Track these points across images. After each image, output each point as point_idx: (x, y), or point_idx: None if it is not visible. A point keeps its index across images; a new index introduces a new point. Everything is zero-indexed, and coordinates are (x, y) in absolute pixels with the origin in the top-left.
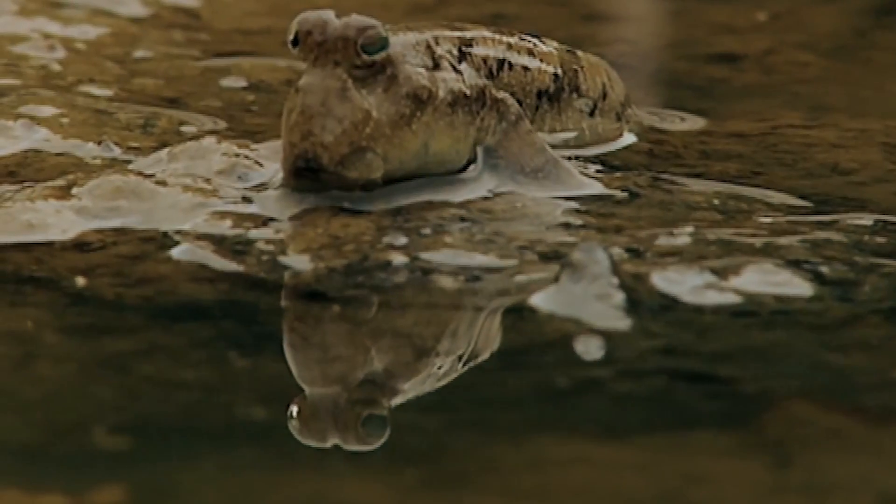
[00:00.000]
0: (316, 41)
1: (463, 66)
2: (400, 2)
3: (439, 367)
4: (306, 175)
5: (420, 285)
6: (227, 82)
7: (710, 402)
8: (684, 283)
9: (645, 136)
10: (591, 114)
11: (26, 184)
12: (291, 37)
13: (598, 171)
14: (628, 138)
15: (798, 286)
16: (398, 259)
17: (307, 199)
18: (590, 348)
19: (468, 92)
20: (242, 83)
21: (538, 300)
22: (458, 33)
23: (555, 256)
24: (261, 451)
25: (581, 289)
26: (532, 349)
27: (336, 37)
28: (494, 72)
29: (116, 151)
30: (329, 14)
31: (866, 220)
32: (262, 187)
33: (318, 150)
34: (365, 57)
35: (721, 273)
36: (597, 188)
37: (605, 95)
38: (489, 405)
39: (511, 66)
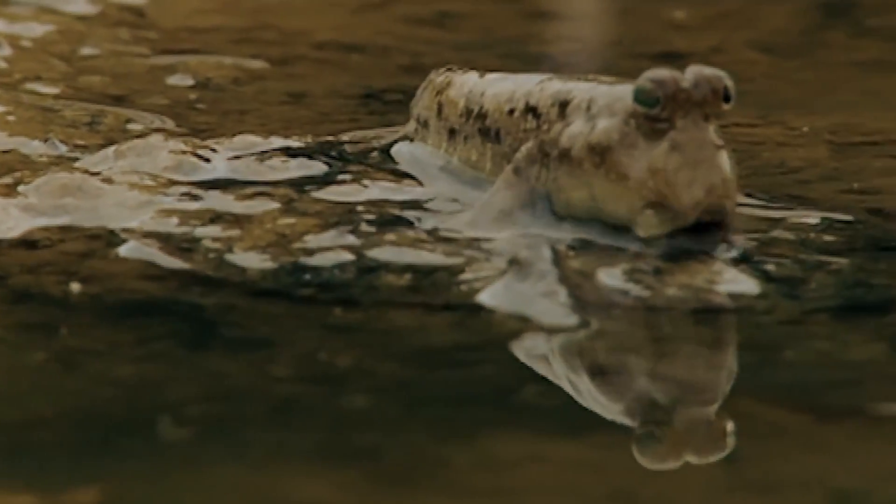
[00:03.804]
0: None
1: None
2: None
3: (387, 365)
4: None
5: (367, 283)
6: (174, 80)
7: (660, 399)
8: (632, 280)
9: None
10: None
11: None
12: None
13: None
14: None
15: (745, 283)
16: (345, 257)
17: None
18: (537, 345)
19: None
20: (189, 81)
21: (485, 298)
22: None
23: (501, 254)
24: (207, 448)
25: (528, 286)
26: (480, 347)
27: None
28: None
29: (63, 149)
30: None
31: (813, 217)
32: (208, 184)
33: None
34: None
35: (669, 270)
36: None
37: None
38: (438, 403)
39: None
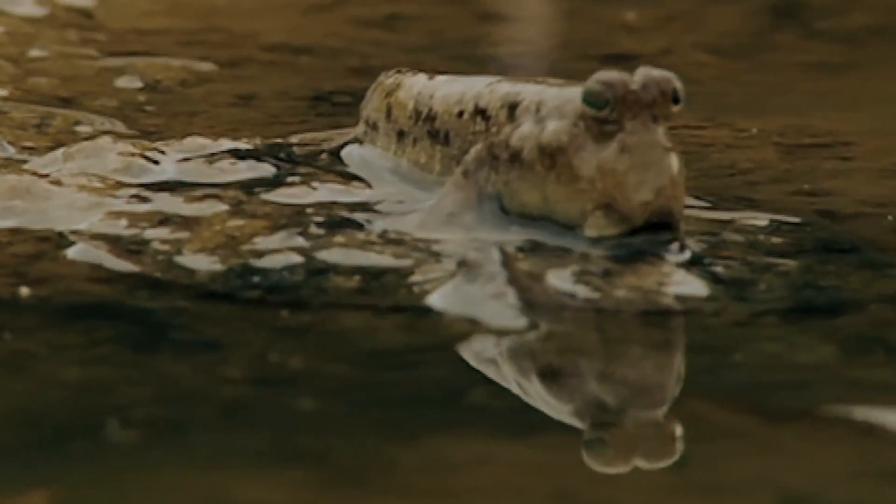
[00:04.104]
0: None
1: None
2: (297, 1)
3: (335, 367)
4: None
5: (316, 285)
6: (122, 82)
7: (609, 401)
8: (581, 282)
9: None
10: None
11: None
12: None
13: None
14: None
15: (694, 285)
16: (294, 259)
17: None
18: (486, 347)
19: None
20: (138, 83)
21: (434, 299)
22: None
23: (450, 256)
24: (156, 450)
25: (477, 288)
26: (429, 349)
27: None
28: None
29: (11, 151)
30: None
31: (762, 220)
32: (157, 186)
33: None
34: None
35: (618, 272)
36: None
37: None
38: (386, 405)
39: None
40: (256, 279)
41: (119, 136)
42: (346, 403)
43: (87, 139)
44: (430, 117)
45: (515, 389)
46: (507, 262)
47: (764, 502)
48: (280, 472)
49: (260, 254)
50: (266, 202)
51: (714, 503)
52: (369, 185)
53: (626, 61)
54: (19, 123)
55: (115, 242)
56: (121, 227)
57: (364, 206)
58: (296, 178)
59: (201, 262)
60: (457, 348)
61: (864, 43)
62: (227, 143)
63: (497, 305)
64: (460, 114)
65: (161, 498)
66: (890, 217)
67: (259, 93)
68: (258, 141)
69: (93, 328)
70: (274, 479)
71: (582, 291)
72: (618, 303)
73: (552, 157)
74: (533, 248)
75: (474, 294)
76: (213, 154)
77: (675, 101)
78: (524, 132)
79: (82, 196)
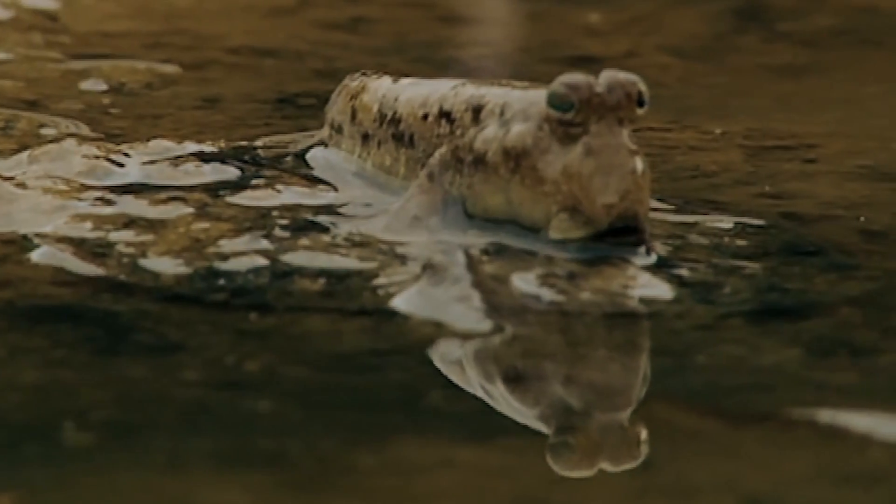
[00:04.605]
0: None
1: None
2: (261, 4)
3: (299, 370)
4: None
5: (281, 288)
6: (87, 85)
7: (574, 404)
8: (546, 285)
9: None
10: None
11: None
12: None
13: None
14: None
15: (659, 288)
16: (259, 261)
17: None
18: (451, 350)
19: None
20: (102, 86)
21: (399, 302)
22: None
23: (415, 259)
24: (117, 453)
25: (442, 291)
26: (393, 352)
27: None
28: None
29: None
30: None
31: (726, 222)
32: (122, 189)
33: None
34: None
35: (583, 275)
36: None
37: None
38: (349, 408)
39: None
40: (221, 282)
41: (84, 139)
42: (308, 406)
43: (51, 142)
44: (395, 120)
45: (480, 393)
46: (471, 264)
47: None
48: (241, 476)
49: (225, 256)
50: (231, 205)
51: None
52: (334, 188)
53: (590, 64)
54: None
55: (79, 245)
56: (85, 230)
57: (329, 209)
58: (261, 181)
59: (166, 265)
60: (421, 351)
61: (826, 45)
62: (191, 146)
63: (462, 308)
64: (425, 117)
65: (121, 501)
66: (862, 218)
67: (224, 95)
68: (223, 144)
69: (56, 331)
70: (235, 482)
71: (547, 294)
72: (583, 305)
73: (517, 159)
74: (498, 251)
75: (439, 297)
76: (177, 157)
77: (640, 103)
78: (488, 135)
79: (47, 199)
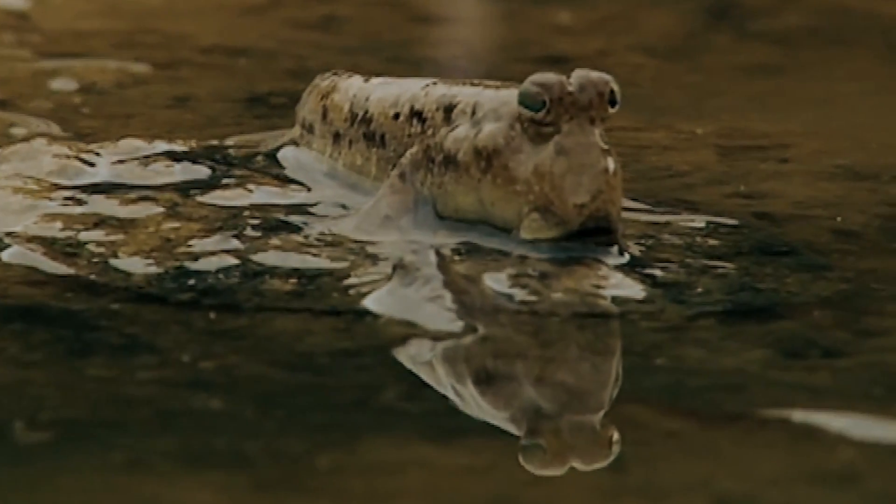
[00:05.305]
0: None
1: None
2: (233, 3)
3: (270, 370)
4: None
5: (251, 288)
6: (58, 84)
7: (545, 404)
8: (517, 285)
9: None
10: None
11: None
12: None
13: None
14: None
15: (631, 288)
16: (229, 261)
17: None
18: (423, 351)
19: None
20: (73, 85)
21: (370, 302)
22: None
23: (387, 259)
24: (91, 454)
25: (413, 291)
26: (364, 352)
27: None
28: None
29: None
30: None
31: (699, 222)
32: (92, 188)
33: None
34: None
35: (555, 275)
36: None
37: None
38: (322, 409)
39: None
40: (191, 282)
41: (54, 139)
42: (277, 406)
43: (21, 141)
44: (366, 119)
45: (451, 393)
46: (443, 264)
47: None
48: (207, 476)
49: (195, 256)
50: (202, 204)
51: None
52: (306, 188)
53: (562, 63)
54: None
55: (50, 245)
56: (56, 230)
57: (300, 209)
58: (231, 181)
59: (136, 265)
60: (392, 352)
61: (798, 44)
62: (162, 146)
63: (433, 308)
64: (396, 116)
65: (86, 501)
66: (839, 218)
67: (195, 94)
68: (194, 143)
69: (26, 331)
70: (201, 482)
71: (519, 294)
72: (554, 305)
73: (488, 159)
74: (469, 251)
75: (410, 297)
76: (148, 156)
77: (612, 103)
78: (460, 134)
79: (17, 198)
